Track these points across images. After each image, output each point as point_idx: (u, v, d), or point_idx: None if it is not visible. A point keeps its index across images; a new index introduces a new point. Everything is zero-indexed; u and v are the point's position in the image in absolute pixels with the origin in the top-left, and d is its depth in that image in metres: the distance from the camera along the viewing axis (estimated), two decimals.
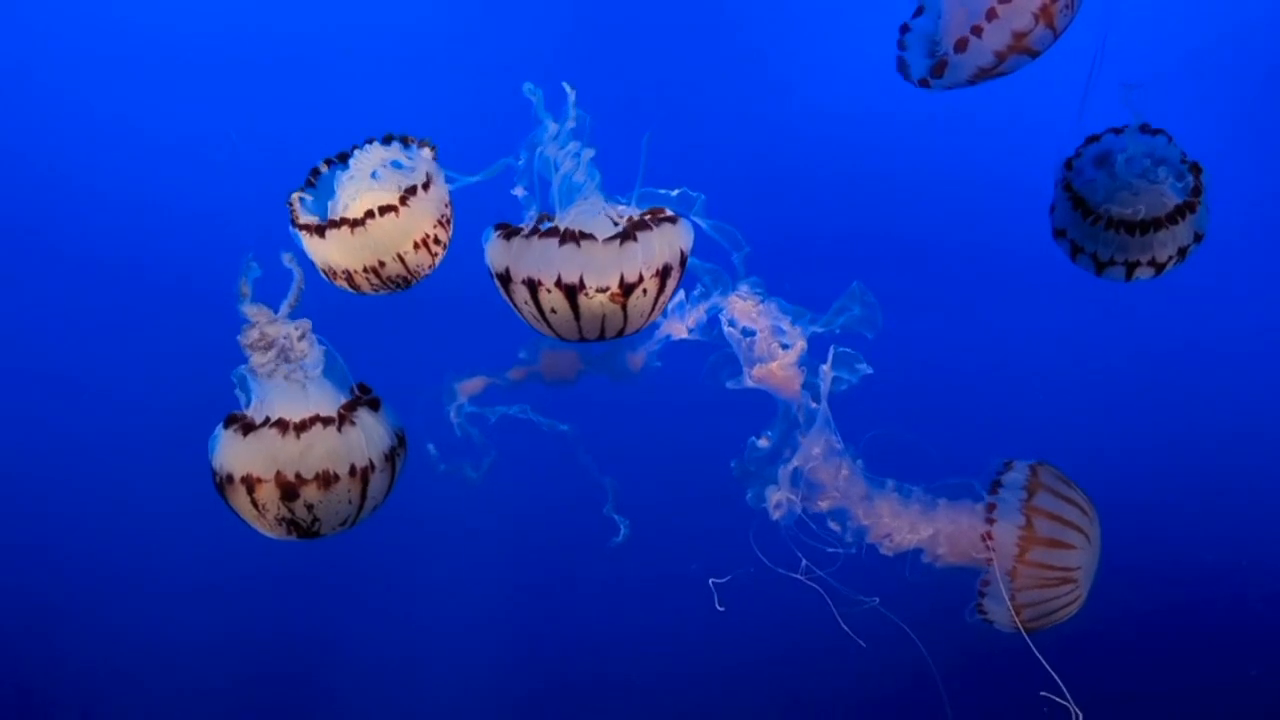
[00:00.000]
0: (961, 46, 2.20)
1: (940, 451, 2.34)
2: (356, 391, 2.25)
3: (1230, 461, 4.30)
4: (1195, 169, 2.62)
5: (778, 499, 2.25)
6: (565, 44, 4.32)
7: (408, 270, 2.30)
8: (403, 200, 2.19)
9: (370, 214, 2.17)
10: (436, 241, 2.31)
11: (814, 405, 2.28)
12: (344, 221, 2.18)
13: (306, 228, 2.22)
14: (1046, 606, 2.20)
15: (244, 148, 3.99)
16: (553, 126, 2.10)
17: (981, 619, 2.24)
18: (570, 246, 2.02)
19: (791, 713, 4.43)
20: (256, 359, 2.10)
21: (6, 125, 4.32)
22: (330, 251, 2.24)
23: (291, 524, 2.08)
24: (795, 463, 2.25)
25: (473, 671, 4.52)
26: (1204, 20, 4.21)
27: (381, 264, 2.25)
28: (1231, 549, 4.31)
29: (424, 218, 2.25)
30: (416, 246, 2.26)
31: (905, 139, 4.21)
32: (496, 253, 2.15)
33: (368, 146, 2.28)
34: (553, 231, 2.05)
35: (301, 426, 2.07)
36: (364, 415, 2.15)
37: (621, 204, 2.20)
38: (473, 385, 2.53)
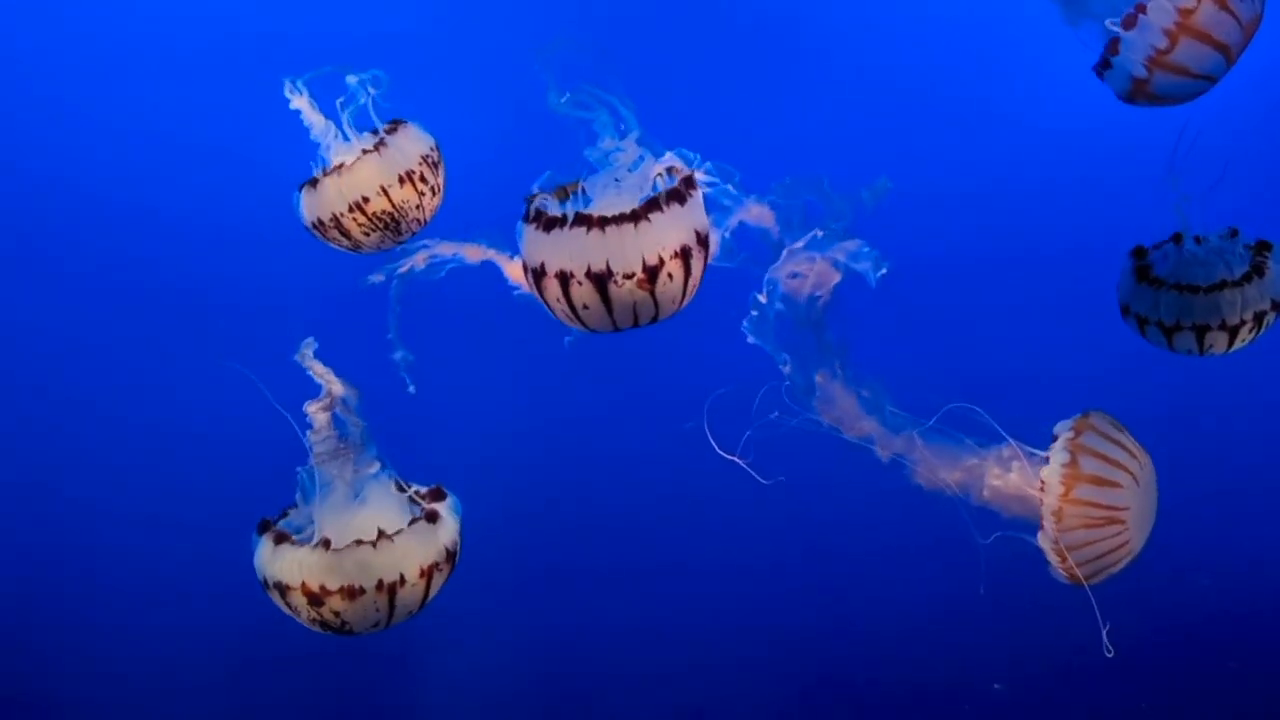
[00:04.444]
0: (1129, 24, 2.25)
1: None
2: (423, 497, 2.28)
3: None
4: (1264, 246, 2.67)
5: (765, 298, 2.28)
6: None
7: (393, 206, 2.38)
8: (380, 144, 2.37)
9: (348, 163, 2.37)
10: (423, 180, 2.41)
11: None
12: (330, 171, 2.38)
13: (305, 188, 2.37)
14: (1094, 549, 2.18)
15: (244, 146, 3.94)
16: (612, 143, 2.08)
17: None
18: (595, 232, 1.99)
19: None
20: (320, 442, 2.18)
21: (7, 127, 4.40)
22: (319, 198, 2.35)
23: (323, 625, 2.16)
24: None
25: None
26: None
27: (365, 200, 2.35)
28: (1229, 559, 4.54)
29: (400, 157, 2.37)
30: (402, 181, 2.37)
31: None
32: (532, 246, 2.09)
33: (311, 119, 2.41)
34: (579, 220, 2.03)
35: (340, 544, 2.12)
36: (411, 531, 2.16)
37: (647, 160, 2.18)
38: (474, 251, 2.41)
